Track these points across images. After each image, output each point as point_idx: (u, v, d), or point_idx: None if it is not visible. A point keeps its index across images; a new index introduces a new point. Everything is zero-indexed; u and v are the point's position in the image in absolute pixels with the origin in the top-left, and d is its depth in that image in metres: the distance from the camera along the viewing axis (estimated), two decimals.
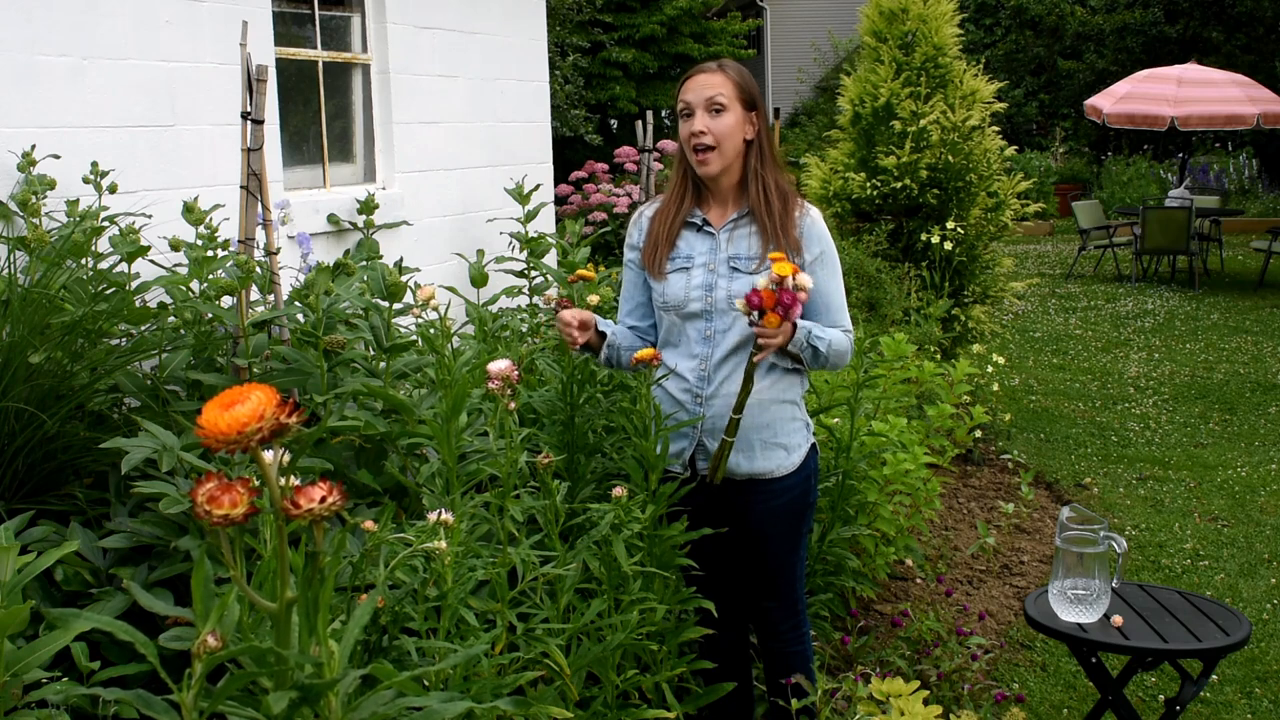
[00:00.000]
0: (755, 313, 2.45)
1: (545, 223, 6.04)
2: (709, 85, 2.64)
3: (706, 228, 2.72)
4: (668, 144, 8.15)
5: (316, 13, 4.95)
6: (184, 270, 3.12)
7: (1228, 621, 2.91)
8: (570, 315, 2.67)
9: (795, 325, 2.51)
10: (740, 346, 2.66)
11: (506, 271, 5.25)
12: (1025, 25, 21.02)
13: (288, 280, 3.58)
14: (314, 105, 4.98)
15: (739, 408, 2.58)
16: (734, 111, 2.64)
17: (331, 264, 3.31)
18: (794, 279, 2.41)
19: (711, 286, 2.68)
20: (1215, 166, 18.45)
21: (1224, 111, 12.34)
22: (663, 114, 14.93)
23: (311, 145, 5.00)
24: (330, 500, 1.17)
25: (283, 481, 1.17)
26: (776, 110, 16.09)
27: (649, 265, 2.75)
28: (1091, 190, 18.13)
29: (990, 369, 6.10)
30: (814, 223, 2.72)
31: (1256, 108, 12.28)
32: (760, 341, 2.48)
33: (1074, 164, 19.56)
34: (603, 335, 2.75)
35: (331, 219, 4.83)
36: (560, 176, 7.59)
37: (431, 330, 2.51)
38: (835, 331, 2.68)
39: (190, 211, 3.23)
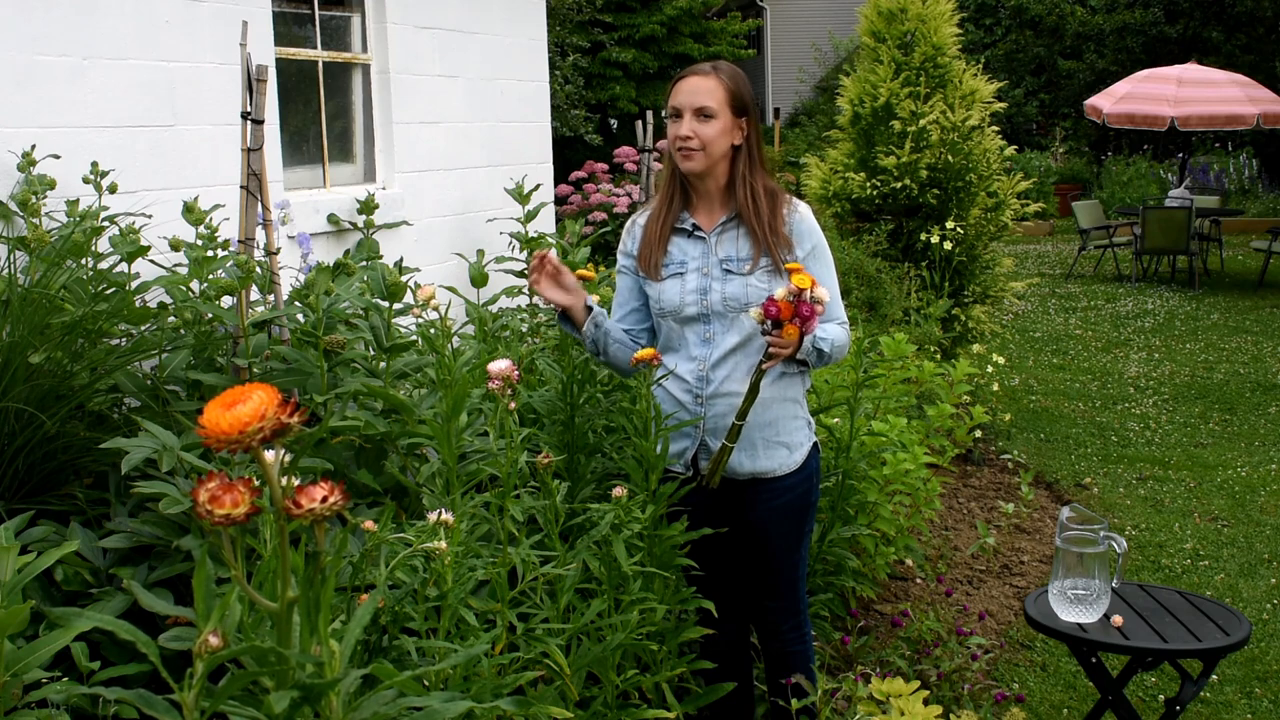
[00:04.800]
0: (769, 322, 2.45)
1: (545, 223, 6.04)
2: (700, 91, 2.62)
3: (697, 232, 2.72)
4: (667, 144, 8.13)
5: (316, 13, 4.95)
6: (184, 270, 3.12)
7: (1228, 621, 2.91)
8: (553, 255, 2.63)
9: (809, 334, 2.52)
10: (738, 347, 2.66)
11: (506, 271, 5.25)
12: (1025, 25, 21.02)
13: (288, 280, 3.58)
14: (314, 105, 4.98)
15: (743, 414, 2.58)
16: (722, 118, 2.62)
17: (331, 264, 3.32)
18: (812, 291, 2.41)
19: (706, 290, 2.67)
20: (1215, 166, 18.45)
21: (1224, 111, 12.34)
22: (662, 114, 14.92)
23: (311, 145, 5.00)
24: (332, 500, 1.17)
25: (284, 481, 1.17)
26: (776, 110, 16.05)
27: (645, 268, 2.74)
28: (1091, 190, 18.13)
29: (990, 369, 6.10)
30: (803, 219, 2.71)
31: (1256, 108, 12.28)
32: (772, 350, 2.48)
33: (1074, 164, 19.57)
34: (589, 310, 2.70)
35: (331, 219, 4.83)
36: (560, 176, 7.59)
37: (432, 330, 2.51)
38: (833, 327, 2.68)
39: (190, 211, 3.23)
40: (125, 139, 3.86)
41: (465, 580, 2.05)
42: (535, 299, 5.08)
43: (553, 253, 2.65)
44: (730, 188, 2.70)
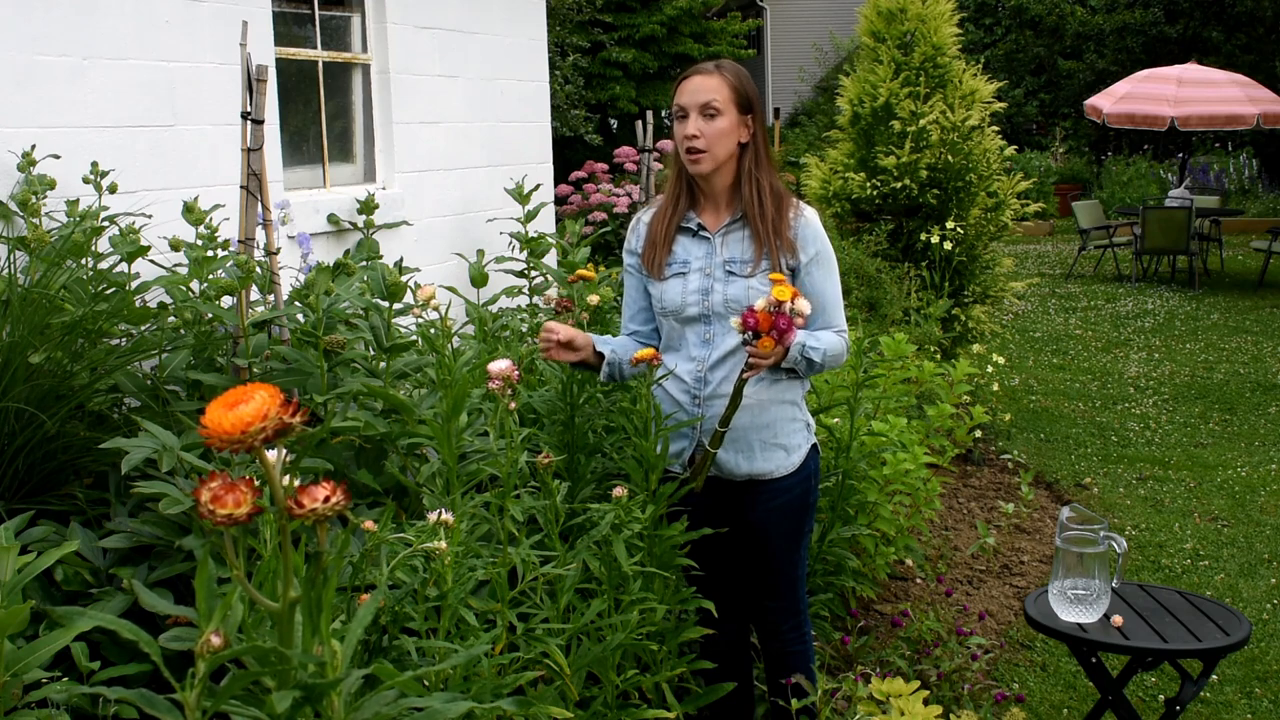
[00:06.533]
0: (749, 333, 2.43)
1: (545, 223, 6.04)
2: (704, 89, 2.62)
3: (702, 232, 2.71)
4: (667, 144, 8.13)
5: (316, 13, 4.95)
6: (184, 270, 3.12)
7: (1228, 621, 2.91)
8: (558, 327, 2.64)
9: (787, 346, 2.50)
10: (738, 350, 2.65)
11: (506, 271, 5.25)
12: (1025, 25, 21.02)
13: (288, 280, 3.58)
14: (314, 105, 4.98)
15: (725, 420, 2.56)
16: (728, 116, 2.62)
17: (331, 264, 3.32)
18: (792, 303, 2.39)
19: (708, 291, 2.67)
20: (1215, 166, 18.45)
21: (1224, 111, 12.35)
22: (663, 114, 14.93)
23: (311, 145, 5.00)
24: (334, 500, 1.17)
25: (285, 481, 1.17)
26: (776, 110, 16.05)
27: (649, 266, 2.74)
28: (1091, 190, 18.13)
29: (990, 369, 6.10)
30: (808, 223, 2.70)
31: (1256, 108, 12.29)
32: (751, 361, 2.46)
33: (1074, 164, 19.57)
34: (601, 356, 2.72)
35: (331, 219, 4.83)
36: (560, 176, 7.59)
37: (432, 330, 2.51)
38: (829, 335, 2.66)
39: (190, 211, 3.23)
40: (125, 139, 3.86)
41: (465, 580, 2.05)
42: (535, 299, 5.08)
43: (557, 325, 2.64)
44: (736, 186, 2.69)
